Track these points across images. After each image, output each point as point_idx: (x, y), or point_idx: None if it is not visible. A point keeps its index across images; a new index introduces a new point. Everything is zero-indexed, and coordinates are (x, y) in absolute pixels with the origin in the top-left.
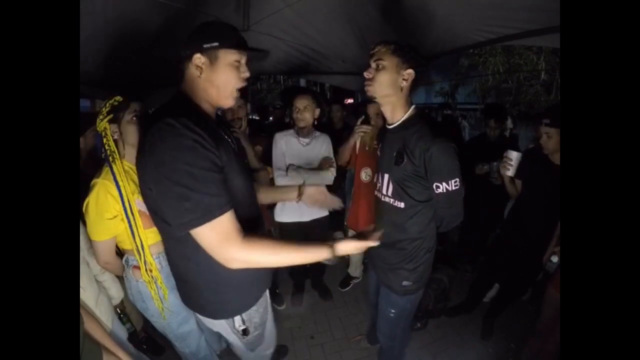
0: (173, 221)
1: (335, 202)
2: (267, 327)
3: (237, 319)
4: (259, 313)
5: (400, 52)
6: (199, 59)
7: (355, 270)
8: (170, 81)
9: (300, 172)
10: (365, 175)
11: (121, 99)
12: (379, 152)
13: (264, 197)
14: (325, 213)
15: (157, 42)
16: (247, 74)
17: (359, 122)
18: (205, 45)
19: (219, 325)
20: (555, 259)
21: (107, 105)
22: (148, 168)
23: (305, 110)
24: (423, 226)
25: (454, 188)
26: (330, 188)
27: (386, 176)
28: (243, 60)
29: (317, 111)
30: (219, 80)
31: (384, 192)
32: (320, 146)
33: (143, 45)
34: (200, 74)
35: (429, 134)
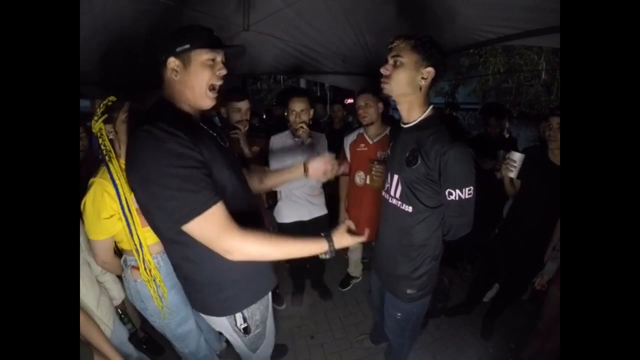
0: (164, 223)
1: (341, 168)
2: (267, 325)
3: (239, 316)
4: (260, 311)
5: (421, 48)
6: (173, 62)
7: (355, 270)
8: None
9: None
10: (359, 179)
11: (115, 99)
12: (389, 152)
13: (272, 181)
14: (324, 211)
15: (158, 42)
16: (223, 72)
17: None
18: (177, 49)
19: (221, 325)
20: (552, 264)
21: (102, 106)
22: (133, 175)
23: (303, 113)
24: (430, 233)
25: (467, 196)
26: (325, 189)
27: (395, 177)
28: (218, 59)
29: (311, 112)
30: (193, 80)
31: (392, 193)
32: (316, 146)
33: (143, 45)
34: (176, 76)
35: (447, 136)
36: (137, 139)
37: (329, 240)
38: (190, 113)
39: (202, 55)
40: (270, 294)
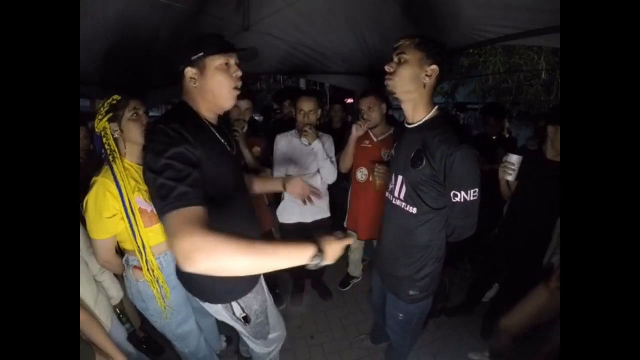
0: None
1: (311, 191)
2: (269, 314)
3: (236, 306)
4: (257, 301)
5: (424, 46)
6: (190, 71)
7: (355, 270)
8: (170, 81)
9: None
10: (361, 175)
11: (120, 98)
12: (393, 152)
13: (258, 186)
14: (327, 214)
15: (158, 42)
16: (239, 73)
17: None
18: (192, 58)
19: (221, 313)
20: (555, 258)
21: (106, 104)
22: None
23: (312, 114)
24: (434, 234)
25: (472, 198)
26: (331, 188)
27: (400, 178)
28: (232, 62)
29: (319, 112)
30: (212, 85)
31: (396, 194)
32: (323, 146)
33: (143, 45)
34: (195, 84)
35: (454, 138)
36: (152, 135)
37: (319, 245)
38: (210, 118)
39: (216, 61)
40: (264, 284)
